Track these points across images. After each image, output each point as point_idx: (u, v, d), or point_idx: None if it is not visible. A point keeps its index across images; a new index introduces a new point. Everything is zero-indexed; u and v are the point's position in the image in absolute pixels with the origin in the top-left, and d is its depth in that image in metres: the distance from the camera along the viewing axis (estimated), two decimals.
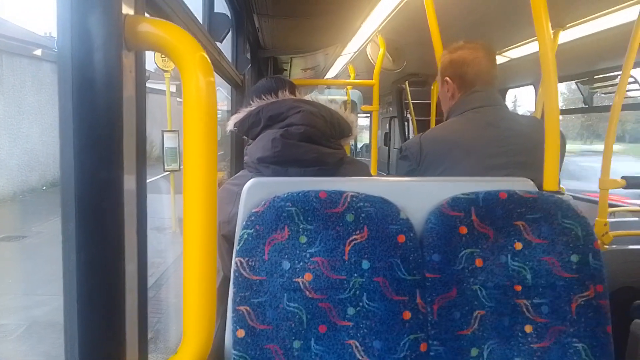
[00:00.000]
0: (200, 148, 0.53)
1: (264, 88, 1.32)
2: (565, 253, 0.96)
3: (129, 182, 0.53)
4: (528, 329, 0.94)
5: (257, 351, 0.87)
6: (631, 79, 2.24)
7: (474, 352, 0.92)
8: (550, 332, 0.94)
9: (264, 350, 0.88)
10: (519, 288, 0.95)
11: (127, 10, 0.50)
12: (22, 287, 4.71)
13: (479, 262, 0.95)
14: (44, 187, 8.99)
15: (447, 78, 1.43)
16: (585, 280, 0.95)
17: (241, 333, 0.88)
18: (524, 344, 0.93)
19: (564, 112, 3.41)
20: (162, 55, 5.80)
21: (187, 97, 0.52)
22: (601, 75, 2.57)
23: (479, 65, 1.35)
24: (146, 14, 0.60)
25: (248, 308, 0.88)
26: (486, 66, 1.35)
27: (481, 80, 1.35)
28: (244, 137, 1.24)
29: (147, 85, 0.77)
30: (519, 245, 0.96)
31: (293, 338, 0.89)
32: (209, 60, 0.54)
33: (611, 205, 1.87)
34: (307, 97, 1.26)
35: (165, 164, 5.66)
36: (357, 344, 0.90)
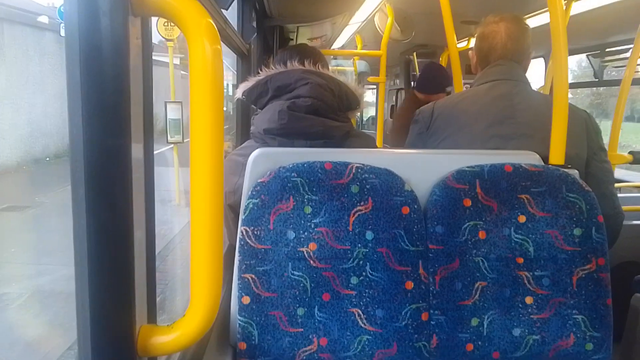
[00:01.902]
0: (207, 116, 0.52)
1: (280, 58, 1.30)
2: (569, 226, 0.97)
3: (137, 150, 0.53)
4: (528, 300, 0.95)
5: (262, 317, 0.90)
6: None
7: (474, 321, 0.94)
8: (551, 303, 0.95)
9: (268, 317, 0.90)
10: (521, 260, 0.96)
11: None
12: (25, 257, 4.73)
13: (482, 235, 0.96)
14: (47, 159, 8.99)
15: (471, 52, 1.46)
16: (587, 254, 0.96)
17: (246, 300, 0.90)
18: (524, 315, 0.95)
19: (573, 85, 3.36)
20: (165, 24, 5.71)
21: (193, 65, 0.52)
22: (613, 49, 2.52)
23: (494, 39, 1.34)
24: None
25: (253, 276, 0.90)
26: (504, 40, 1.33)
27: (496, 54, 1.34)
28: (253, 105, 1.23)
29: None
30: (522, 218, 0.97)
31: (297, 305, 0.91)
32: (216, 27, 0.53)
33: (617, 181, 1.86)
34: None
35: (169, 136, 5.63)
36: (360, 312, 0.92)
